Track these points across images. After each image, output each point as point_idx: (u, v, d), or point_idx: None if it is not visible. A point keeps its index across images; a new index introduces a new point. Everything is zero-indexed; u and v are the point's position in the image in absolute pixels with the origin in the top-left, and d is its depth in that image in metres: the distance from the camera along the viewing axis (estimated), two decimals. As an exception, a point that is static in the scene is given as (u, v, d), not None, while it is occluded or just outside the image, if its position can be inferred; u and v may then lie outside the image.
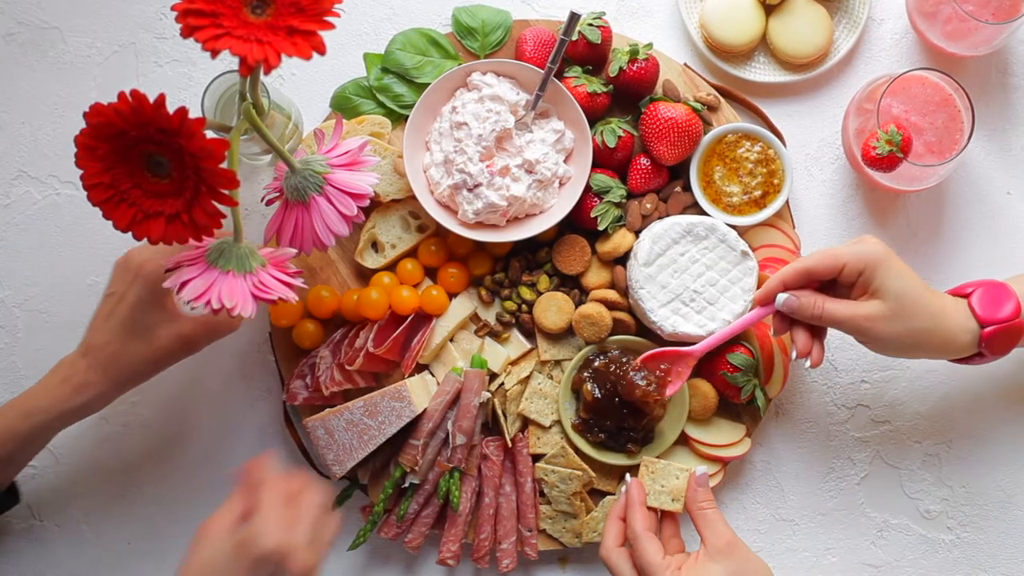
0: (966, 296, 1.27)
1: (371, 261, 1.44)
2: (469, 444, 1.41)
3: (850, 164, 1.45)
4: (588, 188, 1.41)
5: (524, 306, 1.44)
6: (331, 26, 1.05)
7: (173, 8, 1.03)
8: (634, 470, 1.39)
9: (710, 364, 1.41)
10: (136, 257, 1.26)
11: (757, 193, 1.42)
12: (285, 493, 1.17)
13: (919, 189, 1.40)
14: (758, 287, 1.39)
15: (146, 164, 1.08)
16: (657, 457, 1.39)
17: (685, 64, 1.48)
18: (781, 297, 1.27)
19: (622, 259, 1.43)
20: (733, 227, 1.41)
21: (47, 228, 1.49)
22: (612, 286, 1.43)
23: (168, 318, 1.25)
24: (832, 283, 1.29)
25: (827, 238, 1.47)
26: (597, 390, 1.38)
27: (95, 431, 1.47)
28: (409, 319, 1.41)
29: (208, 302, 1.11)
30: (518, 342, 1.44)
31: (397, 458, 1.41)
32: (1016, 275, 1.32)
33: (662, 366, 1.37)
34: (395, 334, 1.40)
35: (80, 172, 1.07)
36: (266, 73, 1.05)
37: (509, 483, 1.44)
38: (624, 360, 1.39)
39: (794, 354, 1.30)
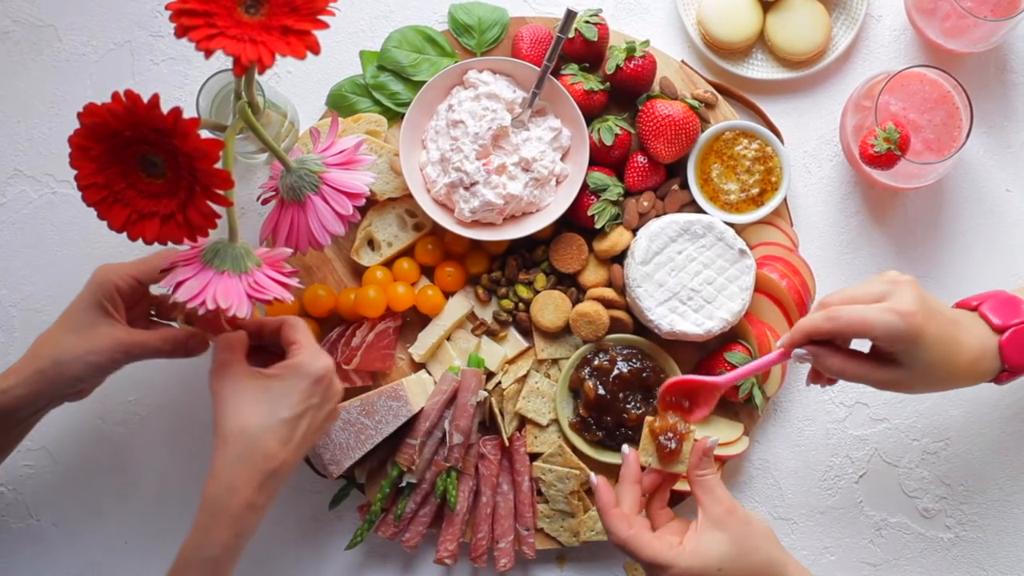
0: (974, 308, 1.24)
1: (367, 259, 1.44)
2: (466, 443, 1.41)
3: (848, 161, 1.44)
4: (585, 186, 1.41)
5: (521, 304, 1.43)
6: (325, 25, 1.05)
7: (167, 8, 1.02)
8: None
9: (708, 363, 1.41)
10: (99, 268, 1.26)
11: (755, 191, 1.42)
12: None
13: (917, 186, 1.40)
14: (755, 285, 1.38)
15: (141, 164, 1.07)
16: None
17: (682, 61, 1.47)
18: (797, 352, 1.22)
19: (619, 257, 1.43)
20: (731, 225, 1.40)
21: (43, 227, 1.48)
22: (609, 284, 1.43)
23: (108, 322, 1.23)
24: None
25: (825, 235, 1.47)
26: (599, 387, 1.38)
27: (93, 431, 1.47)
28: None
29: (203, 303, 1.11)
30: (515, 341, 1.44)
31: (394, 457, 1.41)
32: (1019, 286, 1.30)
33: (684, 403, 1.31)
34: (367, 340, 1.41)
35: (74, 172, 1.07)
36: (260, 73, 1.04)
37: (506, 482, 1.43)
38: (626, 359, 1.39)
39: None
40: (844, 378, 1.20)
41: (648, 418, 1.35)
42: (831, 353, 1.19)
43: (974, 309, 1.23)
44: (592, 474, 1.29)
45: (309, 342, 1.20)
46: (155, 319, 1.32)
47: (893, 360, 1.17)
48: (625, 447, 1.29)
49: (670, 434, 1.31)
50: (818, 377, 1.26)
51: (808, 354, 1.20)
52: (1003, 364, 1.19)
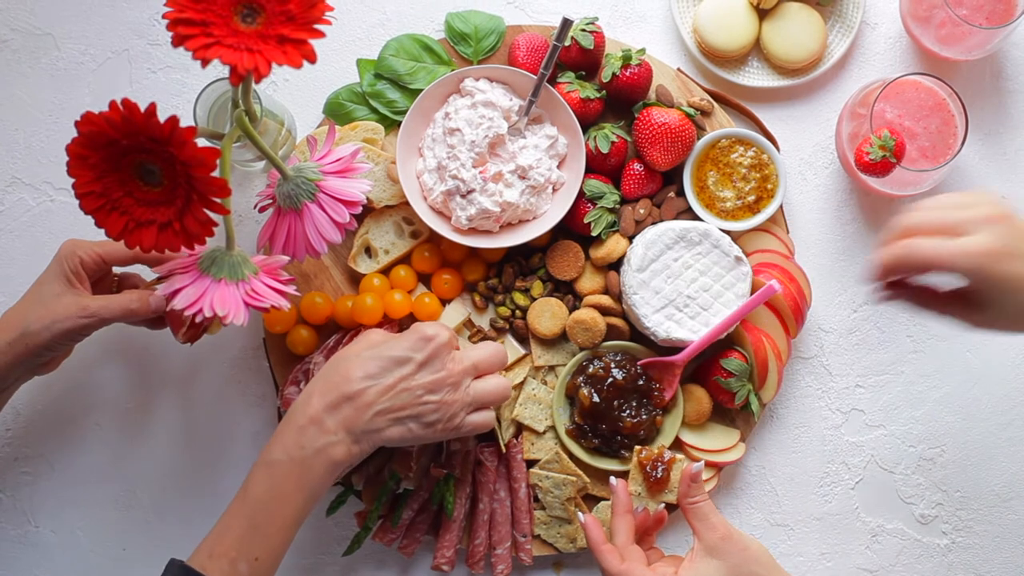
0: None
1: (365, 267, 1.44)
2: (463, 450, 1.41)
3: (844, 169, 1.45)
4: (581, 194, 1.41)
5: (518, 312, 1.44)
6: (321, 34, 1.05)
7: (164, 17, 1.03)
8: (626, 475, 1.39)
9: (704, 369, 1.41)
10: (65, 243, 1.29)
11: (751, 198, 1.42)
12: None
13: (913, 193, 1.40)
14: (752, 292, 1.39)
15: (138, 172, 1.08)
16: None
17: (678, 69, 1.48)
18: (882, 295, 1.17)
19: (616, 265, 1.43)
20: (727, 232, 1.41)
21: (41, 235, 1.49)
22: (606, 292, 1.43)
23: (72, 292, 1.26)
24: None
25: (821, 243, 1.47)
26: (595, 394, 1.39)
27: (91, 437, 1.47)
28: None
29: (200, 310, 1.11)
30: (512, 348, 1.44)
31: (392, 464, 1.41)
32: None
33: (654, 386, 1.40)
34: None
35: (72, 181, 1.07)
36: (256, 82, 1.05)
37: (503, 489, 1.43)
38: (620, 364, 1.39)
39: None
40: (927, 316, 1.15)
41: (636, 447, 1.36)
42: (911, 295, 1.15)
43: None
44: (580, 514, 1.31)
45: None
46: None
47: (978, 300, 1.11)
48: (612, 479, 1.31)
49: (657, 464, 1.33)
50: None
51: (888, 296, 1.16)
52: None
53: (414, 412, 1.22)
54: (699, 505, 1.23)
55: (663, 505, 1.34)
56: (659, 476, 1.35)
